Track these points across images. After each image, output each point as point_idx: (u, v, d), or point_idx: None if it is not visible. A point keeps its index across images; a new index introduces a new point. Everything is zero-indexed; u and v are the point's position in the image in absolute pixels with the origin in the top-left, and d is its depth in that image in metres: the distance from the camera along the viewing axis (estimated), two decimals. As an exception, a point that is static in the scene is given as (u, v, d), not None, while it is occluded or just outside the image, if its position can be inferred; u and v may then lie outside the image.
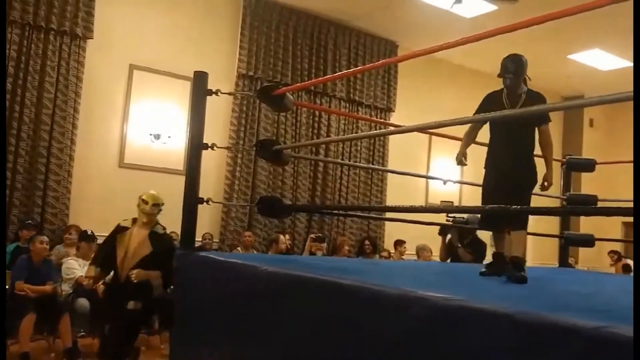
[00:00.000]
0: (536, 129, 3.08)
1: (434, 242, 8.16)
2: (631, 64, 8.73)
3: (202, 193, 3.16)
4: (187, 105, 6.61)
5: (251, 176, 7.46)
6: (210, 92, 3.16)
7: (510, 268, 2.79)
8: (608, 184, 9.25)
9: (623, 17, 7.04)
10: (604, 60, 8.81)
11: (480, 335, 1.42)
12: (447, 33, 2.60)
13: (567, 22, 7.49)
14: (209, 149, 3.15)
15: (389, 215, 7.61)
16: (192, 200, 3.08)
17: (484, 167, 3.14)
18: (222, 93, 3.19)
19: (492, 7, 6.91)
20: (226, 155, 7.30)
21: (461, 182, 8.92)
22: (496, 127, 3.09)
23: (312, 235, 7.12)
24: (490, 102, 3.13)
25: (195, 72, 3.26)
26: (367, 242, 7.81)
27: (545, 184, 3.11)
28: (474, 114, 3.09)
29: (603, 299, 2.37)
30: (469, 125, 3.20)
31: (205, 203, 3.14)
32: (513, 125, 3.02)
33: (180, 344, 2.94)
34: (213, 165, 7.04)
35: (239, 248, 6.91)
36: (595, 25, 7.44)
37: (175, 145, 7.02)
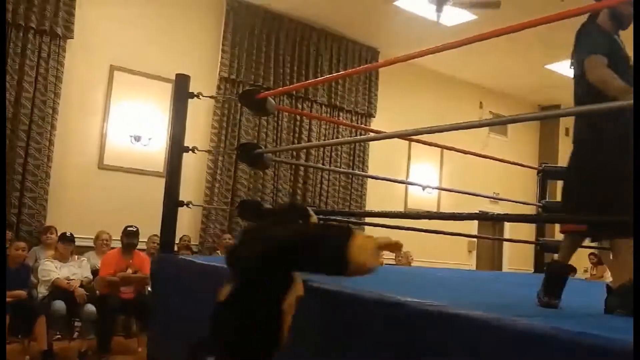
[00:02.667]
0: None
1: (413, 247, 8.27)
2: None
3: (183, 196, 3.16)
4: (168, 108, 6.59)
5: (232, 179, 7.46)
6: (192, 95, 3.17)
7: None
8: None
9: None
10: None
11: (461, 342, 1.45)
12: (428, 41, 2.64)
13: (546, 32, 7.64)
14: (190, 152, 3.17)
15: (368, 220, 7.67)
16: (172, 203, 3.09)
17: (601, 151, 2.32)
18: (203, 96, 3.21)
19: (473, 17, 7.02)
20: (207, 158, 7.28)
21: (440, 189, 9.06)
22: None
23: None
24: (606, 40, 2.43)
25: (177, 75, 3.27)
26: None
27: None
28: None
29: (574, 304, 2.43)
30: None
31: (185, 206, 3.15)
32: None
33: (158, 347, 2.94)
34: (194, 168, 7.02)
35: (218, 251, 6.90)
36: (573, 36, 7.59)
37: (156, 147, 6.99)
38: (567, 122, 10.97)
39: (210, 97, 4.59)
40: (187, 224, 6.90)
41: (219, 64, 7.44)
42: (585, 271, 9.26)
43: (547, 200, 4.78)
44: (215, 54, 7.47)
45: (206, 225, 7.27)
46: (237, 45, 7.52)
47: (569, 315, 2.07)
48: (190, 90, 3.19)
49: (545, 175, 4.94)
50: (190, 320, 2.67)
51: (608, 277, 8.97)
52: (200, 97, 3.17)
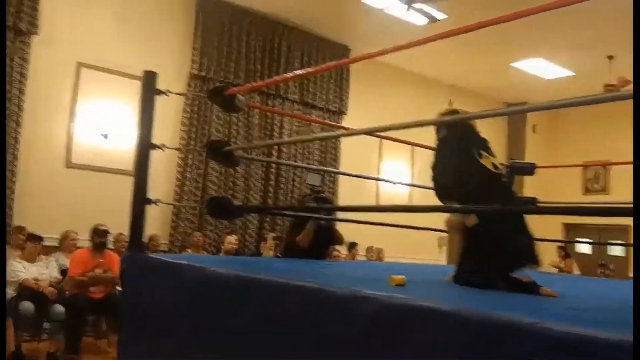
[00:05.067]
0: None
1: (386, 242, 8.34)
2: (572, 74, 9.14)
3: (152, 194, 3.14)
4: (138, 105, 6.50)
5: (202, 177, 7.42)
6: (160, 92, 3.15)
7: None
8: (548, 186, 9.63)
9: (566, 28, 7.41)
10: (547, 70, 9.17)
11: (425, 334, 1.48)
12: (399, 39, 2.67)
13: (511, 31, 7.76)
14: (158, 149, 3.14)
15: (341, 216, 7.71)
16: (140, 201, 3.06)
17: None
18: (171, 93, 3.18)
19: (443, 16, 7.10)
20: (177, 156, 7.22)
21: (411, 185, 9.16)
22: None
23: (273, 235, 7.15)
24: None
25: (144, 71, 3.24)
26: (335, 251, 7.83)
27: None
28: None
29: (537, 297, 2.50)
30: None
31: (154, 204, 3.13)
32: None
33: (129, 347, 2.91)
34: (163, 166, 6.96)
35: (188, 250, 6.86)
36: (538, 35, 7.76)
37: (124, 145, 6.90)
38: (534, 119, 11.22)
39: (179, 93, 4.55)
40: (156, 222, 6.84)
41: (190, 61, 7.39)
42: (553, 265, 9.45)
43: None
44: (185, 51, 7.42)
45: (176, 223, 7.22)
46: (207, 42, 7.48)
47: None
48: (159, 87, 3.17)
49: (512, 170, 5.02)
50: (160, 320, 2.66)
51: (576, 271, 9.19)
52: (168, 93, 3.14)
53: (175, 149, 5.90)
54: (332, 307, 1.74)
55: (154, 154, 3.17)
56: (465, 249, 2.55)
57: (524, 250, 2.41)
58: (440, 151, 2.70)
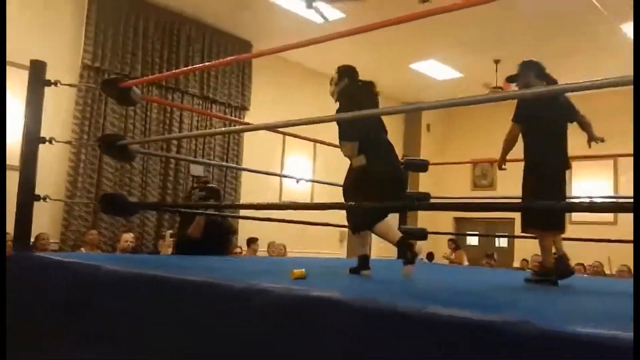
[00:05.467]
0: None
1: (288, 238, 8.42)
2: (461, 75, 9.69)
3: (41, 190, 2.98)
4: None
5: (96, 173, 7.08)
6: (49, 83, 2.99)
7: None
8: (441, 182, 10.19)
9: (456, 30, 7.85)
10: (439, 71, 9.67)
11: (324, 324, 1.53)
12: (300, 37, 2.73)
13: (410, 32, 8.06)
14: (48, 143, 2.98)
15: (243, 213, 7.68)
16: (26, 198, 2.90)
17: (531, 171, 3.04)
18: (62, 84, 3.03)
19: (342, 15, 7.27)
20: (69, 151, 6.86)
21: (313, 181, 9.30)
22: (543, 127, 3.06)
23: (170, 231, 6.98)
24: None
25: (32, 60, 3.07)
26: (238, 249, 7.80)
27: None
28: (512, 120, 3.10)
29: (425, 285, 2.65)
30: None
31: (42, 200, 2.97)
32: (558, 122, 3.08)
33: (17, 351, 2.75)
34: (54, 161, 6.58)
35: (82, 249, 6.55)
36: (431, 37, 8.16)
37: (13, 138, 6.43)
38: (428, 119, 11.78)
39: (70, 85, 4.34)
40: (46, 221, 6.45)
41: (82, 50, 7.02)
42: (445, 257, 9.98)
43: (408, 190, 5.10)
44: (78, 41, 7.04)
45: (68, 222, 6.85)
46: (102, 31, 7.14)
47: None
48: (48, 78, 3.00)
49: (407, 167, 5.26)
50: (48, 321, 2.53)
51: (465, 262, 9.78)
52: (59, 84, 2.99)
53: (66, 142, 5.59)
54: (231, 301, 1.75)
55: (44, 149, 3.01)
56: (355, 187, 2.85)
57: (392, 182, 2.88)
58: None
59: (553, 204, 2.79)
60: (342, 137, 2.88)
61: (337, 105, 2.99)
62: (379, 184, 2.79)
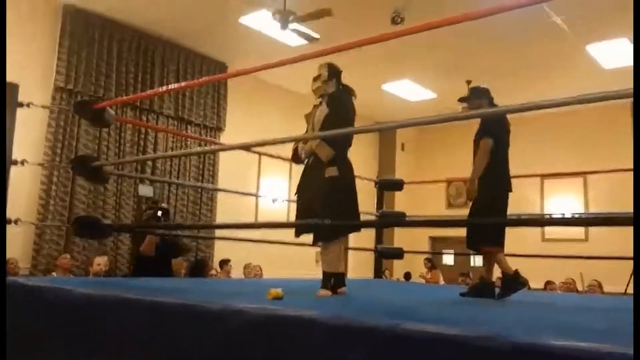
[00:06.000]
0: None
1: (264, 259, 8.37)
2: (434, 95, 9.85)
3: (12, 213, 2.93)
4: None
5: (68, 195, 6.97)
6: (21, 104, 2.96)
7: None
8: (416, 201, 10.26)
9: (428, 51, 8.00)
10: (413, 91, 9.81)
11: (292, 340, 1.53)
12: (274, 58, 2.77)
13: (379, 54, 8.18)
14: (20, 164, 2.95)
15: (219, 234, 7.62)
16: (-3, 221, 2.84)
17: (491, 189, 3.16)
18: (34, 106, 3.01)
19: (316, 36, 7.35)
20: (41, 173, 6.75)
21: (289, 201, 9.30)
22: (503, 147, 3.25)
23: None
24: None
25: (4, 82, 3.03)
26: (213, 271, 7.75)
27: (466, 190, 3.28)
28: (484, 136, 3.18)
29: (402, 303, 2.67)
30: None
31: (13, 223, 2.92)
32: (474, 146, 3.26)
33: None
34: (26, 183, 6.46)
35: (54, 273, 6.41)
36: (403, 59, 8.30)
37: (-21, 161, 6.32)
38: (403, 139, 11.92)
39: (43, 106, 4.30)
40: (17, 245, 6.31)
41: (54, 72, 6.96)
42: (421, 276, 10.02)
43: (383, 209, 5.15)
44: (50, 63, 6.97)
45: (40, 245, 6.71)
46: (74, 53, 7.09)
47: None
48: (20, 100, 2.98)
49: (382, 186, 5.32)
50: (22, 349, 2.47)
51: (442, 281, 9.83)
52: (31, 106, 2.97)
53: (39, 164, 5.51)
54: (208, 322, 1.74)
55: (14, 171, 2.97)
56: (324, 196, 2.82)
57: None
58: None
59: (532, 219, 2.86)
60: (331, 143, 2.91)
61: (322, 103, 2.99)
62: (348, 197, 2.83)
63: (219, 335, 1.67)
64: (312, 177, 2.90)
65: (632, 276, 7.17)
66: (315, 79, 3.05)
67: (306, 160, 2.98)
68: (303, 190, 2.93)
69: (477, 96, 3.39)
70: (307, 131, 3.04)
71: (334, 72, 3.04)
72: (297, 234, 2.96)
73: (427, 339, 1.28)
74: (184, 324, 1.78)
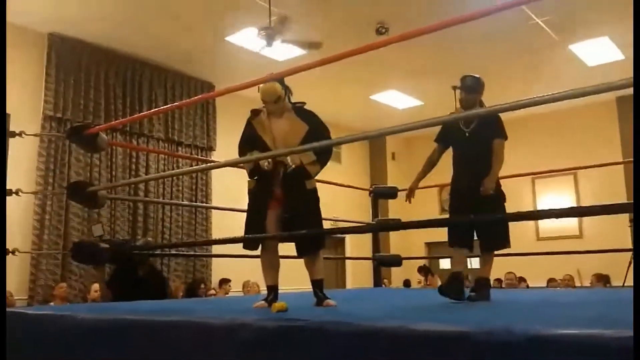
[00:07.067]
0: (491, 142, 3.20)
1: (261, 277, 8.33)
2: (421, 103, 9.93)
3: (8, 245, 2.92)
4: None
5: (62, 224, 6.94)
6: (14, 134, 2.97)
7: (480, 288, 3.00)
8: (410, 208, 10.26)
9: (413, 59, 8.08)
10: (400, 100, 9.89)
11: (306, 349, 1.54)
12: (261, 74, 2.81)
13: (365, 65, 8.24)
14: (15, 195, 2.95)
15: (215, 253, 7.60)
16: (-5, 252, 2.83)
17: (500, 188, 3.17)
18: (27, 135, 3.02)
19: (302, 52, 7.41)
20: (34, 203, 6.72)
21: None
22: (456, 150, 3.23)
23: None
24: (447, 126, 3.23)
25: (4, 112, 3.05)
26: (202, 285, 7.73)
27: (482, 189, 3.10)
28: (499, 137, 3.18)
29: (411, 306, 2.68)
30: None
31: (11, 254, 2.91)
32: (470, 144, 3.16)
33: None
34: (19, 214, 6.43)
35: (52, 303, 6.36)
36: (389, 68, 8.38)
37: (-30, 195, 6.29)
38: (393, 148, 11.97)
39: (35, 135, 4.30)
40: (13, 277, 6.27)
41: (43, 102, 6.96)
42: (419, 282, 10.04)
43: (379, 218, 5.17)
44: (38, 92, 6.98)
45: (36, 276, 6.66)
46: (62, 81, 7.11)
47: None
48: (11, 129, 2.99)
49: (376, 195, 5.35)
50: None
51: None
52: (23, 135, 2.98)
53: (33, 193, 5.49)
54: (215, 337, 1.75)
55: (8, 202, 2.96)
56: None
57: None
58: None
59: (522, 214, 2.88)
60: (324, 161, 2.97)
61: (283, 116, 2.95)
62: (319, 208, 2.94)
63: (230, 351, 1.67)
64: (292, 190, 2.86)
65: (629, 267, 7.23)
66: (268, 90, 2.89)
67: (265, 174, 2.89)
68: (289, 204, 2.88)
69: (478, 88, 3.33)
70: (268, 143, 2.91)
71: (285, 87, 2.94)
72: (305, 251, 2.91)
73: (441, 337, 1.30)
74: (194, 341, 1.79)
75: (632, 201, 1.59)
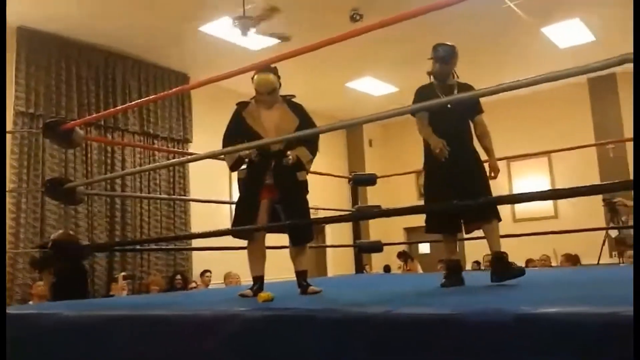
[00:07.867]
0: (470, 122, 3.12)
1: (240, 266, 8.34)
2: (397, 89, 9.97)
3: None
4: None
5: (39, 222, 6.83)
6: (-13, 132, 2.91)
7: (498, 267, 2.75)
8: (389, 194, 10.36)
9: (388, 47, 8.09)
10: (375, 87, 9.91)
11: (293, 338, 1.56)
12: (236, 64, 2.78)
13: (343, 52, 8.22)
14: (-10, 193, 2.90)
15: (195, 245, 7.57)
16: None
17: (425, 169, 3.11)
18: None
19: (277, 41, 7.37)
20: (8, 202, 6.61)
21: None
22: (434, 122, 3.02)
23: (123, 274, 6.85)
24: (424, 96, 3.05)
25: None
26: (177, 276, 7.73)
27: (492, 173, 3.06)
28: (481, 113, 3.13)
29: (395, 292, 2.72)
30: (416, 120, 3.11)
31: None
32: (450, 117, 2.98)
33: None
34: (-8, 213, 6.31)
35: (30, 302, 6.28)
36: (364, 56, 8.38)
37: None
38: (370, 134, 12.02)
39: (8, 132, 4.22)
40: (-10, 276, 6.17)
41: (14, 97, 6.82)
42: (399, 267, 10.14)
43: (359, 205, 5.21)
44: (8, 88, 6.82)
45: (13, 275, 6.57)
46: (32, 77, 6.96)
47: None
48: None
49: (356, 182, 5.37)
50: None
51: (420, 270, 9.97)
52: (-3, 133, 2.92)
53: (9, 191, 5.39)
54: (204, 329, 1.75)
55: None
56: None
57: None
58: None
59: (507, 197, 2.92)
60: (314, 157, 2.98)
61: (275, 107, 2.98)
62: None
63: (219, 342, 1.68)
64: (284, 181, 2.89)
65: (603, 245, 7.40)
66: (264, 81, 2.95)
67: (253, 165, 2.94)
68: (281, 195, 2.91)
69: (452, 59, 3.18)
70: (260, 134, 2.93)
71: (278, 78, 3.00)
72: (300, 242, 2.96)
73: (427, 320, 1.32)
74: (182, 334, 1.79)
75: (632, 195, 1.59)
